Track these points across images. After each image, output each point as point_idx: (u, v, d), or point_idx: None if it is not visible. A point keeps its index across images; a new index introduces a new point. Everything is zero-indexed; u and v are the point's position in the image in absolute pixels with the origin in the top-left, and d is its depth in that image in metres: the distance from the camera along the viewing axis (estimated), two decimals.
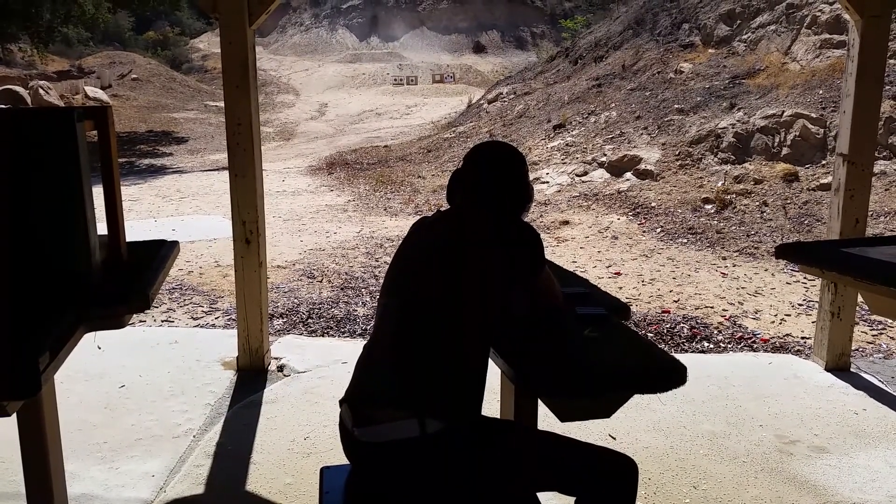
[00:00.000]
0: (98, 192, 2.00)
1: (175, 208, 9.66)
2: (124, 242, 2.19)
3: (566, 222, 8.20)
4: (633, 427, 3.22)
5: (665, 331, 4.69)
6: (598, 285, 3.02)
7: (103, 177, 2.13)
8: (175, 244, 2.45)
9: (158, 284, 2.09)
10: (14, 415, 1.76)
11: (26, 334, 1.58)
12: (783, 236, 7.17)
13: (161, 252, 2.30)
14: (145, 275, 2.04)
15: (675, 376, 1.69)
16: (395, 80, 32.37)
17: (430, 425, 1.64)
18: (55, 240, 1.85)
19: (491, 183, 1.90)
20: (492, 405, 2.44)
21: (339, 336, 4.62)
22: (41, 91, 20.47)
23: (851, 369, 3.92)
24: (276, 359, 4.01)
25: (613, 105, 11.77)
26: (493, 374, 1.89)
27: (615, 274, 6.17)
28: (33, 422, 1.87)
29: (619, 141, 10.28)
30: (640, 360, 1.79)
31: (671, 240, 7.31)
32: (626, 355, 1.82)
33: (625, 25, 15.34)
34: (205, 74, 33.27)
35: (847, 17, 3.83)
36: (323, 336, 4.61)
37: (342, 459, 1.87)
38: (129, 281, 1.98)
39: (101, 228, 2.04)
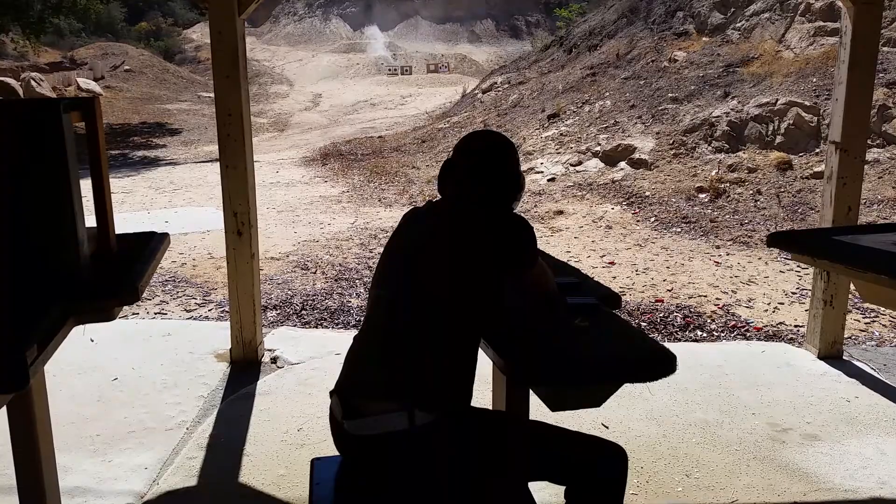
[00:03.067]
0: (87, 184, 1.99)
1: (168, 200, 9.63)
2: (113, 235, 2.17)
3: (560, 212, 8.20)
4: (625, 416, 3.22)
5: (659, 320, 4.70)
6: (593, 275, 3.02)
7: (91, 168, 2.11)
8: (165, 236, 2.44)
9: (148, 277, 2.08)
10: (4, 408, 1.76)
11: (13, 327, 1.57)
12: (777, 225, 7.18)
13: (151, 244, 2.28)
14: (135, 267, 2.02)
15: (664, 365, 1.69)
16: (390, 70, 32.26)
17: (420, 417, 1.64)
18: (43, 232, 1.83)
19: (481, 173, 1.89)
20: (484, 396, 2.44)
21: (332, 327, 4.62)
22: (33, 83, 20.37)
23: (844, 357, 3.94)
24: (269, 350, 4.00)
25: (607, 94, 11.75)
26: (485, 364, 1.89)
27: (609, 263, 6.18)
28: (23, 415, 1.86)
29: (613, 130, 10.27)
30: (629, 350, 1.79)
31: (665, 229, 7.32)
32: (616, 345, 1.81)
33: (619, 14, 15.29)
34: (198, 65, 33.12)
35: (840, 4, 3.82)
36: (317, 327, 4.61)
37: (335, 451, 1.86)
38: (119, 273, 1.96)
39: (91, 221, 2.03)
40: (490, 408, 2.32)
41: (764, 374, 3.74)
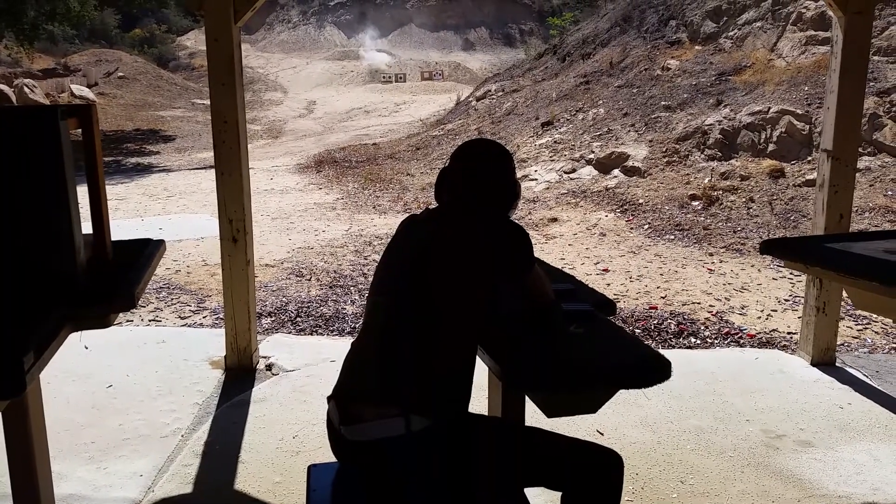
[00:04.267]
0: (83, 191, 1.99)
1: (162, 207, 9.61)
2: (109, 241, 2.17)
3: (554, 219, 8.22)
4: (620, 423, 3.23)
5: (652, 327, 4.71)
6: (586, 282, 3.03)
7: (88, 175, 2.11)
8: (161, 243, 2.44)
9: (144, 284, 2.08)
10: None
11: (10, 334, 1.57)
12: (769, 232, 7.21)
13: (146, 251, 2.29)
14: (130, 274, 2.03)
15: (659, 371, 1.70)
16: (384, 77, 32.28)
17: (416, 423, 1.64)
18: (39, 239, 1.83)
19: (478, 181, 1.91)
20: (480, 402, 2.44)
21: (327, 334, 4.62)
22: (26, 89, 20.30)
23: (837, 364, 3.96)
24: (264, 357, 4.00)
25: (601, 102, 11.79)
26: (481, 370, 1.90)
27: (603, 271, 6.20)
28: (19, 422, 1.86)
29: (606, 138, 10.31)
30: (624, 356, 1.80)
31: (659, 236, 7.35)
32: (611, 351, 1.82)
33: (612, 22, 15.36)
34: (192, 72, 33.06)
35: (831, 13, 3.85)
36: (311, 334, 4.61)
37: (331, 458, 1.87)
38: (115, 280, 1.97)
39: (87, 228, 2.03)
40: (486, 414, 2.33)
41: (757, 380, 3.76)
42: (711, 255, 6.66)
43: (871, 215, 7.34)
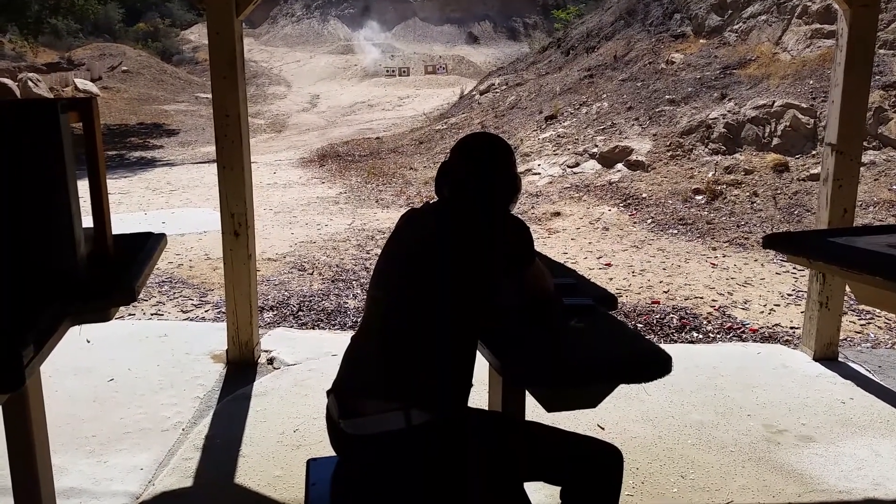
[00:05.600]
0: (84, 185, 1.99)
1: (165, 201, 9.62)
2: (110, 235, 2.17)
3: (558, 214, 8.21)
4: (621, 417, 3.23)
5: (655, 321, 4.71)
6: (589, 276, 3.02)
7: (89, 169, 2.11)
8: (162, 237, 2.44)
9: (145, 277, 2.08)
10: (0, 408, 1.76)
11: (9, 328, 1.57)
12: (773, 226, 7.19)
13: (148, 245, 2.28)
14: (131, 268, 2.03)
15: (659, 366, 1.69)
16: (388, 71, 32.24)
17: (416, 417, 1.64)
18: (39, 233, 1.83)
19: (478, 175, 1.90)
20: (481, 396, 2.44)
21: (329, 328, 4.62)
22: (30, 83, 20.32)
23: (839, 359, 3.95)
24: (266, 351, 4.00)
25: (605, 96, 11.76)
26: (481, 365, 1.89)
27: (606, 265, 6.19)
28: (19, 415, 1.86)
29: (610, 132, 10.28)
30: (625, 350, 1.79)
31: (662, 231, 7.33)
32: (611, 345, 1.82)
33: (616, 16, 15.31)
34: (195, 66, 33.07)
35: (836, 6, 3.83)
36: (313, 329, 4.61)
37: (332, 452, 1.87)
38: (115, 274, 1.97)
39: (88, 221, 2.03)
40: (486, 408, 2.32)
41: (759, 375, 3.75)
42: (714, 249, 6.64)
43: (875, 210, 7.31)
